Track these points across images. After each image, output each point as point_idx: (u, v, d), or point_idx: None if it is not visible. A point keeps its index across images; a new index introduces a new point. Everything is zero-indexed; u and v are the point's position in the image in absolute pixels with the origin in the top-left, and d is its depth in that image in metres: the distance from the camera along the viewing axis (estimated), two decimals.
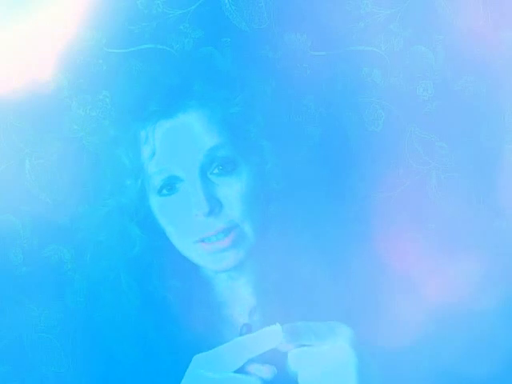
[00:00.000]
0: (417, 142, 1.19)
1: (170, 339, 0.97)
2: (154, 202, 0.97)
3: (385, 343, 0.91)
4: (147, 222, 0.98)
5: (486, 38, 1.18)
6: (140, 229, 0.97)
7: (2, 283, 1.11)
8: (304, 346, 0.82)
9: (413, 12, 1.17)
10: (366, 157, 1.16)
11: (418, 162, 1.19)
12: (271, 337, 0.81)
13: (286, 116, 1.13)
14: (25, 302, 1.11)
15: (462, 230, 1.18)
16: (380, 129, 1.17)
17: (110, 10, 1.09)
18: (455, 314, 1.05)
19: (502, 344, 1.09)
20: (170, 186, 0.95)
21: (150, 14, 1.11)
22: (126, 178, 0.96)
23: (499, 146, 1.21)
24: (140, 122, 0.95)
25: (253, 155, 0.97)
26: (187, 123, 0.94)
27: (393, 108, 1.18)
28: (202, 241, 0.94)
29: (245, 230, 0.95)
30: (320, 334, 0.82)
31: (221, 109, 0.95)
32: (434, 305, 1.03)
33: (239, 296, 1.02)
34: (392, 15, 1.17)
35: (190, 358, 0.82)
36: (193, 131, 0.94)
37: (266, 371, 0.80)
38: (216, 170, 0.94)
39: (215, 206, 0.93)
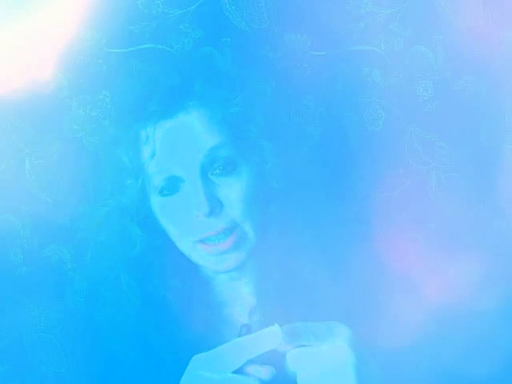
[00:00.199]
0: (417, 142, 1.19)
1: (170, 339, 0.97)
2: (155, 201, 0.97)
3: (385, 343, 0.91)
4: (147, 221, 0.98)
5: (486, 38, 1.18)
6: (140, 229, 0.97)
7: (2, 283, 1.11)
8: (303, 346, 0.82)
9: (413, 12, 1.17)
10: (365, 157, 1.16)
11: (418, 162, 1.19)
12: (270, 338, 0.81)
13: (286, 116, 1.13)
14: (25, 302, 1.11)
15: (462, 230, 1.18)
16: (380, 129, 1.17)
17: (109, 10, 1.09)
18: (455, 314, 1.05)
19: (502, 344, 1.09)
20: (170, 185, 0.95)
21: (150, 14, 1.11)
22: (127, 178, 0.96)
23: (499, 146, 1.21)
24: (140, 121, 0.95)
25: (253, 155, 0.97)
26: (187, 123, 0.94)
27: (393, 108, 1.18)
28: (203, 241, 0.94)
29: (245, 230, 0.95)
30: (319, 335, 0.82)
31: (221, 109, 0.95)
32: (434, 305, 1.03)
33: (239, 296, 1.02)
34: (392, 15, 1.17)
35: (190, 358, 0.82)
36: (193, 131, 0.94)
37: (265, 372, 0.80)
38: (217, 171, 0.94)
39: (216, 206, 0.93)
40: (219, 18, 1.12)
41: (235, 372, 0.80)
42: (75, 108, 1.09)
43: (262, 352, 0.80)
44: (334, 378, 0.81)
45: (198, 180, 0.93)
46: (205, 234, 0.94)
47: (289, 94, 1.13)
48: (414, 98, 1.18)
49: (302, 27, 1.14)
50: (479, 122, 1.20)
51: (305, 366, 0.82)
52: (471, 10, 1.18)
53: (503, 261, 1.17)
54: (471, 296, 1.08)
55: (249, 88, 0.98)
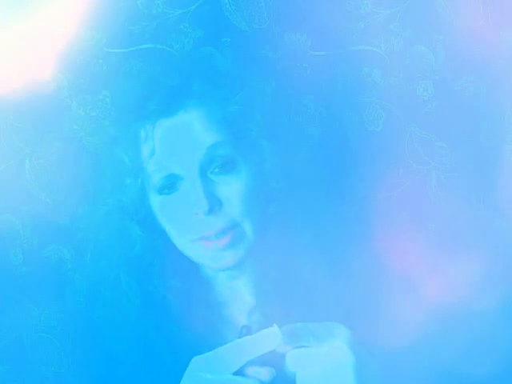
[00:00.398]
0: (417, 142, 1.19)
1: (170, 339, 0.97)
2: (154, 200, 0.97)
3: (385, 343, 0.91)
4: (147, 221, 0.98)
5: (486, 38, 1.18)
6: (140, 228, 0.97)
7: (2, 283, 1.11)
8: (302, 347, 0.82)
9: (413, 12, 1.17)
10: (365, 157, 1.16)
11: (418, 162, 1.19)
12: (270, 339, 0.81)
13: (286, 116, 1.13)
14: (25, 302, 1.11)
15: (462, 230, 1.18)
16: (380, 129, 1.17)
17: (109, 10, 1.09)
18: (455, 314, 1.05)
19: (502, 344, 1.09)
20: (169, 184, 0.95)
21: (150, 13, 1.11)
22: (126, 177, 0.96)
23: (499, 146, 1.21)
24: (140, 120, 0.95)
25: (252, 154, 0.97)
26: (187, 122, 0.94)
27: (393, 108, 1.18)
28: (202, 239, 0.94)
29: (244, 229, 0.95)
30: (318, 335, 0.82)
31: (220, 107, 0.95)
32: (434, 305, 1.03)
33: (239, 296, 1.02)
34: (392, 15, 1.17)
35: (190, 358, 0.82)
36: (192, 130, 0.94)
37: (265, 373, 0.80)
38: (216, 169, 0.94)
39: (215, 204, 0.93)
40: (219, 18, 1.12)
41: (235, 373, 0.80)
42: (75, 108, 1.09)
43: (261, 353, 0.80)
44: (333, 378, 0.81)
45: (197, 178, 0.93)
46: (204, 232, 0.94)
47: (289, 94, 1.13)
48: (414, 98, 1.18)
49: (301, 27, 1.14)
50: (479, 122, 1.20)
51: (304, 367, 0.82)
52: (471, 10, 1.18)
53: (503, 261, 1.17)
54: (471, 296, 1.08)
55: (249, 88, 0.98)
